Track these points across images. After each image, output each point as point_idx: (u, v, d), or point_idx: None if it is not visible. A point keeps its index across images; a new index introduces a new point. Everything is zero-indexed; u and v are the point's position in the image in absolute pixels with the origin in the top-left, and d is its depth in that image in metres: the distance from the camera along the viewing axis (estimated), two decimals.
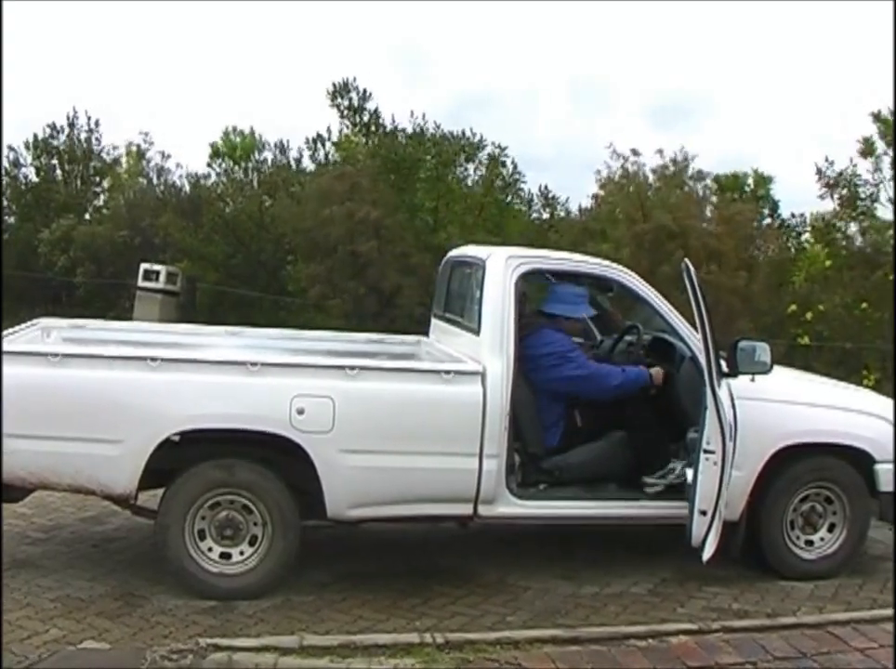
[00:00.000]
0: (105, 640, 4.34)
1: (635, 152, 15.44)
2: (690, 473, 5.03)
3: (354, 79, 17.25)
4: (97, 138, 20.27)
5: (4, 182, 19.23)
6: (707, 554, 4.97)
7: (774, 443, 5.38)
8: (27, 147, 20.07)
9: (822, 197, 14.17)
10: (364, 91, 17.25)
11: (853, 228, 14.21)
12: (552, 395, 5.50)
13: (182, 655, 3.94)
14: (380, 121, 17.28)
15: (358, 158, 17.17)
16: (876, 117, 13.63)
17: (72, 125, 20.11)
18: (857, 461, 5.56)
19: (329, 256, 15.04)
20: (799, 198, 22.82)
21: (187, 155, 33.52)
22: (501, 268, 5.33)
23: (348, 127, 17.84)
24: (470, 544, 6.03)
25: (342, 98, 17.29)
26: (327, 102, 17.30)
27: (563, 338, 5.57)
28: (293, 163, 18.64)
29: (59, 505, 6.28)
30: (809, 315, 13.12)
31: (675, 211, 14.17)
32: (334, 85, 17.22)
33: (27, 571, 5.13)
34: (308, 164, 18.51)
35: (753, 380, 5.29)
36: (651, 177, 15.72)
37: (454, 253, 6.49)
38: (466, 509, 5.12)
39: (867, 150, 13.82)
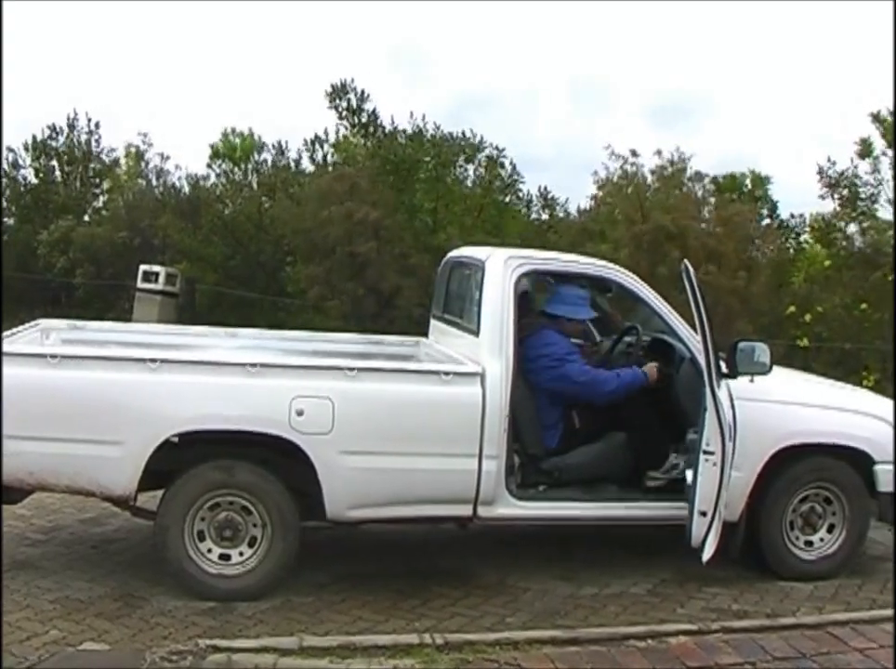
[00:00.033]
0: (105, 641, 4.34)
1: (633, 153, 15.47)
2: (690, 474, 5.03)
3: (353, 80, 17.24)
4: (96, 140, 20.29)
5: (3, 183, 19.23)
6: (707, 554, 4.97)
7: (774, 444, 5.38)
8: (26, 148, 20.09)
9: (822, 197, 14.21)
10: (363, 92, 17.26)
11: (853, 228, 14.23)
12: (551, 396, 5.50)
13: (182, 656, 3.94)
14: (378, 121, 17.28)
15: (357, 159, 17.17)
16: (875, 117, 13.64)
17: (71, 127, 20.11)
18: (856, 461, 5.57)
19: (328, 257, 15.04)
20: (799, 198, 22.93)
21: (186, 156, 33.56)
22: (500, 270, 5.33)
23: (346, 128, 17.85)
24: (470, 545, 6.03)
25: (340, 99, 17.29)
26: (326, 103, 17.32)
27: (563, 341, 5.57)
28: (292, 164, 18.65)
29: (58, 506, 6.28)
30: (807, 317, 13.13)
31: (673, 212, 14.17)
32: (332, 86, 17.23)
33: (27, 573, 5.13)
34: (307, 166, 18.55)
35: (752, 381, 5.30)
36: (649, 178, 15.74)
37: (453, 254, 6.49)
38: (465, 510, 5.12)
39: (864, 151, 13.83)
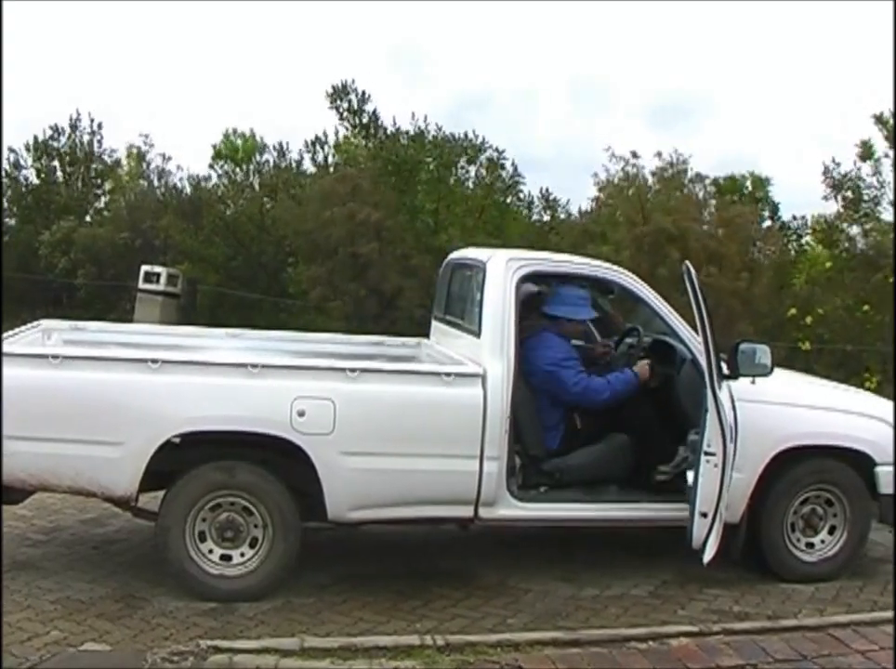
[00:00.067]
0: (106, 642, 4.34)
1: (634, 155, 15.48)
2: (691, 475, 5.03)
3: (353, 81, 17.28)
4: (98, 141, 20.31)
5: (4, 184, 19.24)
6: (708, 556, 4.97)
7: (775, 445, 5.38)
8: (27, 149, 20.11)
9: (826, 198, 14.22)
10: (363, 93, 17.28)
11: (856, 230, 14.24)
12: (552, 397, 5.50)
13: (183, 657, 3.93)
14: (379, 122, 17.29)
15: (358, 160, 17.18)
16: (878, 119, 13.64)
17: (74, 127, 20.13)
18: (857, 463, 5.56)
19: (330, 258, 15.05)
20: (800, 200, 22.94)
21: (187, 157, 33.61)
22: (502, 271, 5.33)
23: (347, 129, 17.87)
24: (471, 546, 6.03)
25: (341, 100, 17.30)
26: (326, 104, 17.33)
27: (561, 345, 5.56)
28: (293, 165, 18.65)
29: (59, 506, 6.28)
30: (808, 319, 13.12)
31: (674, 213, 14.17)
32: (333, 87, 17.25)
33: (27, 573, 5.13)
34: (308, 167, 18.56)
35: (753, 382, 5.29)
36: (650, 180, 15.74)
37: (454, 255, 6.49)
38: (466, 511, 5.12)
39: (865, 153, 13.84)
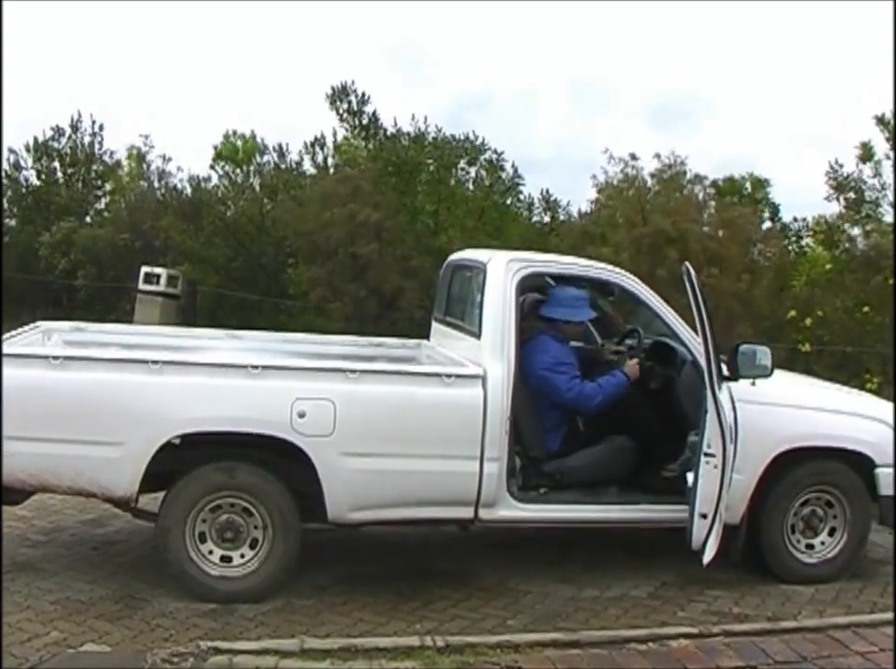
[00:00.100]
0: (106, 643, 4.34)
1: (633, 156, 15.50)
2: (690, 476, 5.03)
3: (353, 82, 17.29)
4: (99, 142, 20.32)
5: (4, 185, 19.25)
6: (708, 557, 4.97)
7: (775, 447, 5.38)
8: (27, 149, 20.12)
9: (828, 199, 14.23)
10: (363, 94, 17.29)
11: (857, 231, 14.26)
12: (551, 399, 5.50)
13: (183, 658, 3.93)
14: (379, 123, 17.30)
15: (358, 161, 17.19)
16: (880, 120, 13.66)
17: (75, 128, 20.13)
18: (858, 465, 5.56)
19: (330, 259, 15.06)
20: (800, 201, 22.85)
21: (188, 158, 33.59)
22: (502, 272, 5.33)
23: (347, 130, 17.87)
24: (471, 547, 6.03)
25: (341, 101, 17.31)
26: (326, 105, 17.35)
27: (558, 349, 5.54)
28: (293, 166, 18.66)
29: (59, 507, 6.28)
30: (808, 321, 13.13)
31: (674, 215, 14.18)
32: (332, 88, 17.26)
33: (27, 574, 5.13)
34: (308, 168, 18.56)
35: (754, 384, 5.30)
36: (649, 182, 15.75)
37: (454, 256, 6.50)
38: (466, 512, 5.12)
39: (865, 154, 13.85)
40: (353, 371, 4.94)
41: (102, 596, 4.90)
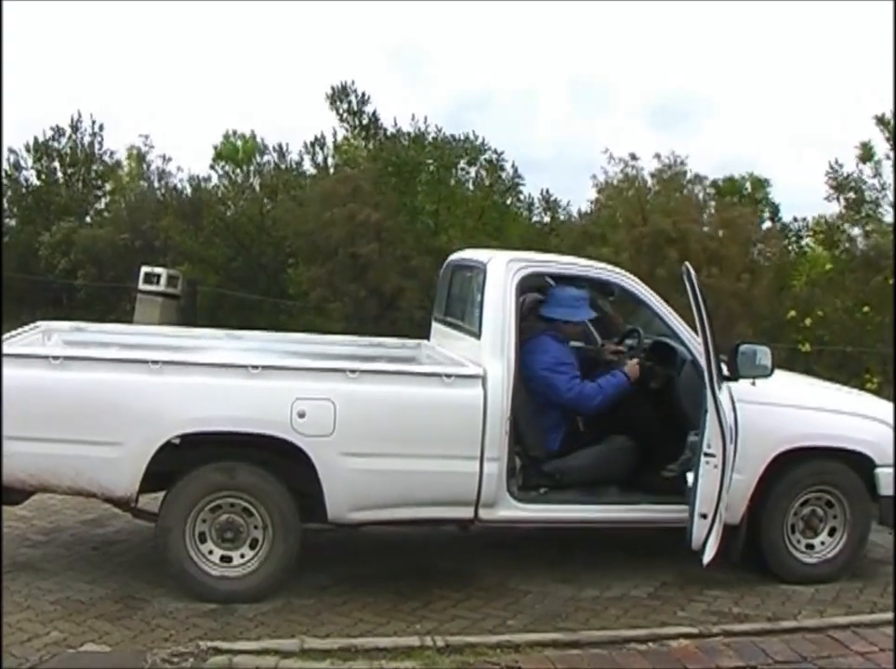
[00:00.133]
0: (105, 643, 4.34)
1: (633, 157, 15.50)
2: (690, 476, 5.03)
3: (353, 82, 17.29)
4: (99, 142, 20.31)
5: (4, 185, 19.25)
6: (707, 557, 4.97)
7: (775, 447, 5.38)
8: (27, 149, 20.11)
9: (828, 199, 14.24)
10: (363, 94, 17.29)
11: (857, 231, 14.26)
12: (551, 400, 5.50)
13: (183, 658, 3.94)
14: (379, 123, 17.30)
15: (358, 161, 17.19)
16: (880, 120, 13.66)
17: (75, 128, 20.13)
18: (858, 465, 5.56)
19: (330, 259, 15.06)
20: (800, 201, 22.82)
21: (188, 158, 33.59)
22: (502, 272, 5.33)
23: (347, 130, 17.87)
24: (471, 547, 6.03)
25: (341, 101, 17.31)
26: (326, 105, 17.34)
27: (557, 349, 5.54)
28: (293, 166, 18.65)
29: (59, 507, 6.28)
30: (808, 321, 13.13)
31: (674, 215, 14.18)
32: (332, 88, 17.25)
33: (27, 574, 5.13)
34: (308, 168, 18.56)
35: (754, 384, 5.30)
36: (649, 182, 15.75)
37: (454, 256, 6.50)
38: (466, 512, 5.12)
39: (865, 155, 13.86)
40: (353, 371, 4.94)
41: (102, 596, 4.90)
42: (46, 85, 27.66)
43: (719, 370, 5.00)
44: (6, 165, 19.43)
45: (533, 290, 5.79)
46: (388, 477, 4.94)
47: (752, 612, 5.11)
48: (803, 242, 17.32)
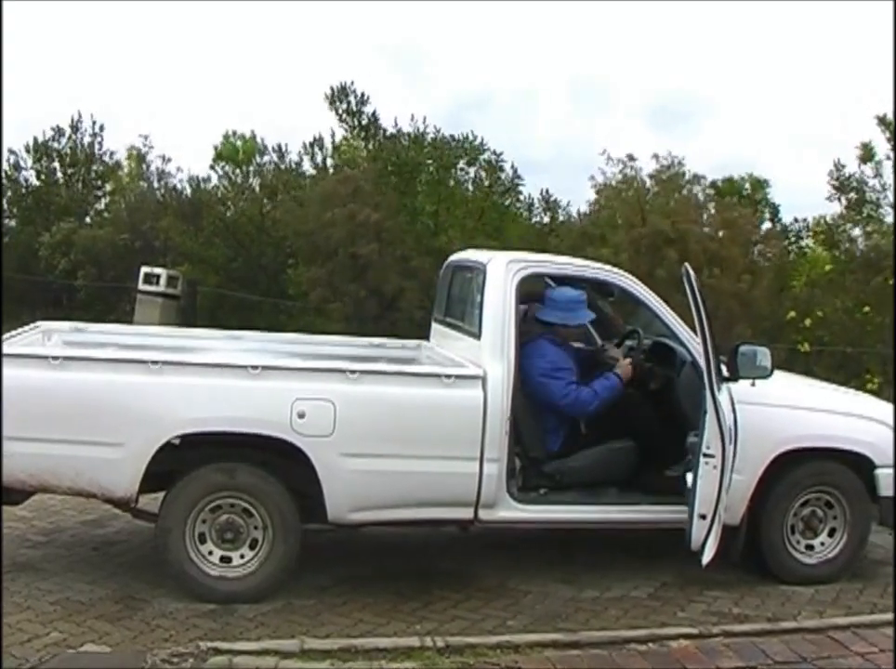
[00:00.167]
0: (105, 643, 4.34)
1: (631, 157, 15.49)
2: (690, 477, 5.03)
3: (352, 83, 17.26)
4: (99, 142, 20.31)
5: (4, 185, 19.24)
6: (707, 558, 4.97)
7: (775, 448, 5.38)
8: (27, 150, 20.10)
9: (830, 199, 14.24)
10: (362, 95, 17.28)
11: (857, 231, 14.26)
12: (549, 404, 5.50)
13: (183, 658, 3.94)
14: (378, 124, 17.29)
15: (357, 161, 17.18)
16: (881, 120, 13.66)
17: (75, 129, 20.12)
18: (857, 465, 5.57)
19: (330, 260, 15.05)
20: (801, 201, 22.83)
21: (188, 158, 33.57)
22: (502, 273, 5.33)
23: (346, 131, 17.86)
24: (471, 547, 6.03)
25: (340, 101, 17.30)
26: (325, 105, 17.32)
27: (555, 354, 5.52)
28: (293, 166, 18.64)
29: (59, 508, 6.28)
30: (808, 321, 13.13)
31: (673, 215, 14.18)
32: (332, 88, 17.23)
33: (27, 574, 5.13)
34: (308, 168, 18.56)
35: (753, 385, 5.29)
36: (648, 182, 15.74)
37: (454, 257, 6.50)
38: (466, 513, 5.12)
39: (866, 155, 13.86)
40: (353, 371, 4.95)
41: (102, 596, 4.90)
42: (46, 85, 27.70)
43: (719, 371, 5.00)
44: (5, 166, 19.45)
45: (536, 295, 5.75)
46: (388, 477, 4.94)
47: (752, 613, 5.11)
48: (803, 243, 17.33)
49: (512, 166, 16.81)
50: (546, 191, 18.46)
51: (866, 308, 13.01)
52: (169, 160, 19.76)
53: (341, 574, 5.38)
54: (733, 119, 30.69)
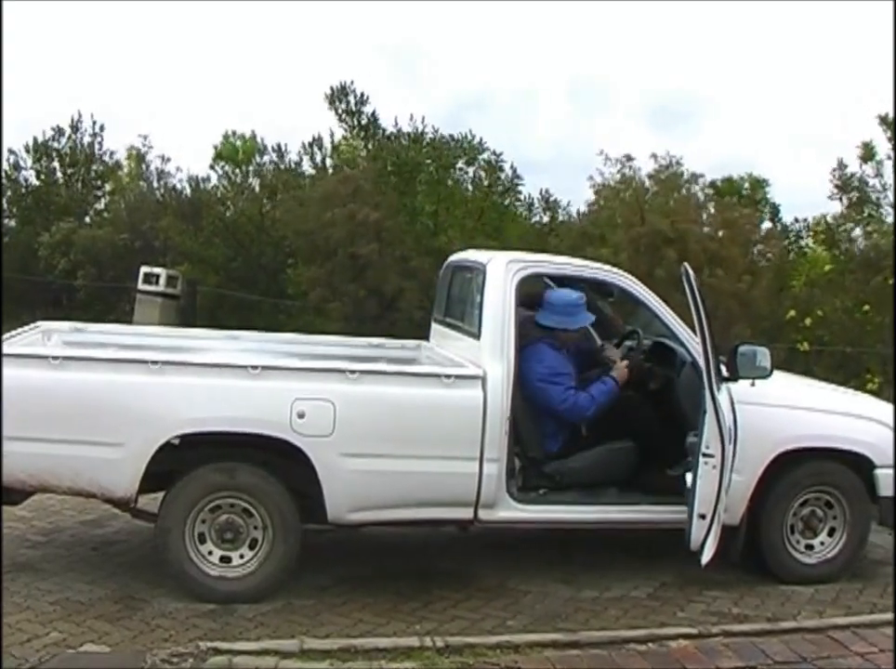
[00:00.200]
0: (105, 643, 4.34)
1: (628, 157, 15.49)
2: (689, 477, 5.03)
3: (352, 82, 17.25)
4: (99, 142, 20.30)
5: (4, 185, 19.23)
6: (706, 558, 4.97)
7: (774, 448, 5.38)
8: (27, 150, 20.09)
9: (832, 198, 14.24)
10: (362, 94, 17.27)
11: (858, 231, 14.26)
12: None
13: (182, 658, 3.94)
14: (378, 123, 17.28)
15: (356, 161, 17.17)
16: (883, 120, 13.66)
17: (75, 129, 20.11)
18: (857, 465, 5.57)
19: (329, 259, 15.04)
20: (801, 201, 22.83)
21: (188, 158, 33.54)
22: (501, 273, 5.33)
23: (346, 130, 17.86)
24: (470, 547, 6.03)
25: (340, 101, 17.29)
26: (325, 105, 17.32)
27: (554, 359, 5.51)
28: (292, 166, 18.63)
29: (59, 508, 6.28)
30: (808, 320, 13.13)
31: (673, 215, 14.17)
32: (331, 88, 17.22)
33: (27, 574, 5.14)
34: (307, 168, 18.55)
35: (753, 385, 5.29)
36: (647, 182, 15.73)
37: (454, 257, 6.50)
38: (466, 513, 5.12)
39: (867, 154, 13.86)
40: (353, 371, 4.95)
41: (102, 596, 4.90)
42: (46, 84, 27.69)
43: (718, 371, 5.00)
44: (5, 166, 19.44)
45: (536, 295, 5.74)
46: (388, 477, 4.94)
47: (751, 613, 5.11)
48: (803, 243, 17.33)
49: (512, 166, 16.82)
50: (546, 191, 18.47)
51: (866, 308, 13.01)
52: (169, 160, 19.78)
53: (341, 574, 5.38)
54: (733, 119, 30.71)
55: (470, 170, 16.86)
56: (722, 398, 4.95)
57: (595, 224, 16.65)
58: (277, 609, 4.85)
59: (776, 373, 5.47)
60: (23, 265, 18.11)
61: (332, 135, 18.07)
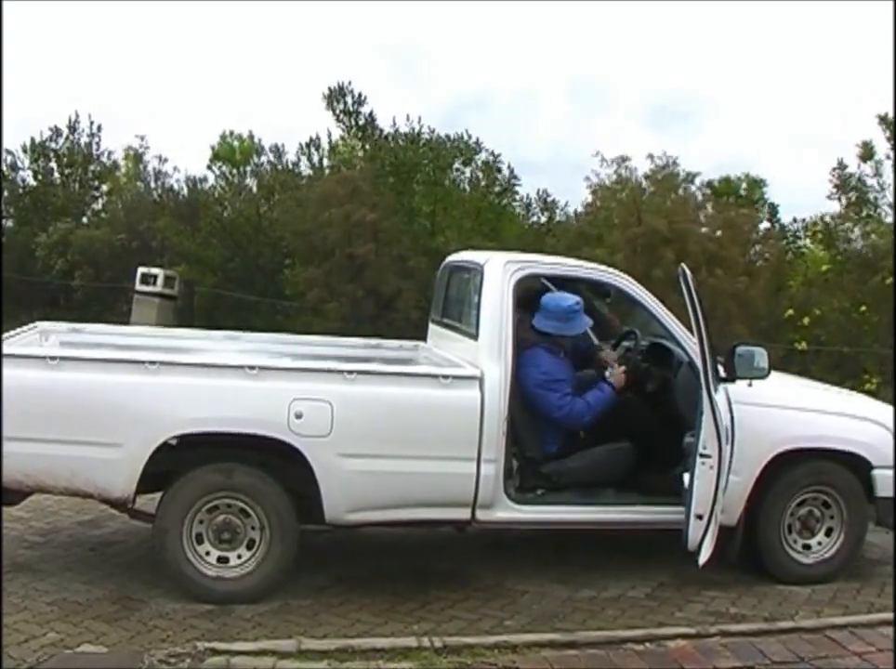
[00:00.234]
0: (103, 644, 4.34)
1: (623, 159, 15.49)
2: (686, 477, 5.03)
3: (349, 83, 17.24)
4: (97, 143, 20.28)
5: (1, 185, 19.22)
6: (703, 558, 4.98)
7: (772, 448, 5.39)
8: (24, 150, 20.07)
9: (831, 197, 14.25)
10: (360, 95, 17.26)
11: (856, 231, 14.26)
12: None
13: (180, 659, 3.94)
14: (375, 123, 17.28)
15: (354, 162, 17.17)
16: (883, 119, 13.68)
17: (72, 129, 20.10)
18: (855, 466, 5.57)
19: (327, 260, 15.03)
20: (799, 201, 22.80)
21: (185, 159, 33.47)
22: (499, 274, 5.33)
23: (343, 131, 17.85)
24: (468, 548, 6.03)
25: (337, 102, 17.28)
26: (323, 105, 17.31)
27: (551, 364, 5.50)
28: (290, 167, 18.62)
29: (56, 508, 6.28)
30: (805, 320, 13.14)
31: (671, 215, 14.17)
32: (329, 88, 17.21)
33: (24, 575, 5.13)
34: (305, 169, 18.54)
35: (751, 385, 5.30)
36: (644, 183, 15.73)
37: (452, 258, 6.50)
38: (463, 514, 5.12)
39: (866, 154, 13.87)
40: (350, 372, 4.95)
41: (99, 596, 4.90)
42: (44, 85, 27.66)
43: (715, 371, 5.01)
44: (3, 166, 19.40)
45: (534, 294, 5.73)
46: (386, 478, 4.94)
47: (749, 613, 5.11)
48: (801, 243, 17.33)
49: (509, 167, 16.82)
50: (544, 191, 18.48)
51: (863, 308, 13.01)
52: (166, 160, 19.75)
53: (338, 574, 5.38)
54: (733, 119, 30.69)
55: (467, 170, 16.87)
56: (719, 398, 4.96)
57: (592, 224, 16.65)
58: (275, 610, 4.85)
59: (773, 374, 5.48)
60: (21, 265, 18.08)
61: (329, 135, 18.09)
